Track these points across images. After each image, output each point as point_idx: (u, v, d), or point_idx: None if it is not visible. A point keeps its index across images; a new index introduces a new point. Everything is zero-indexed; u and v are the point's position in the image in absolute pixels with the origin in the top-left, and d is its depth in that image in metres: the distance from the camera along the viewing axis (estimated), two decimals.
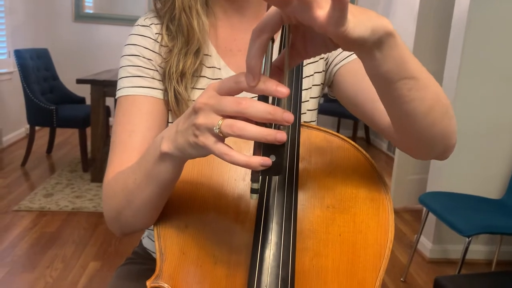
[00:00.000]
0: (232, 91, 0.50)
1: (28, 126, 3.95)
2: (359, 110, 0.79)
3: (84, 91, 3.93)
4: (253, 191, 0.52)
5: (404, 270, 2.45)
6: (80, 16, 5.46)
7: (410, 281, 2.42)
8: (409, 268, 2.44)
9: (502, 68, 2.46)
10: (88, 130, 3.62)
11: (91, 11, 5.55)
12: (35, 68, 3.93)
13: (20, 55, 3.75)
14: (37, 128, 3.98)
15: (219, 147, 0.49)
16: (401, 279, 2.42)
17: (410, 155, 0.70)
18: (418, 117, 0.57)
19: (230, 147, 0.50)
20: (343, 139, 0.73)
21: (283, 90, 0.46)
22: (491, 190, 2.54)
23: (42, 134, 4.66)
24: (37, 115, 3.76)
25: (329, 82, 0.87)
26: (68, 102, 4.25)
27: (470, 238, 1.98)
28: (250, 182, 0.52)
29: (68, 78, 4.25)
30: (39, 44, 4.64)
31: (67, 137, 4.96)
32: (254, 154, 0.49)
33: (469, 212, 2.16)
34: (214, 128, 0.49)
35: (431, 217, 2.45)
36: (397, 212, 3.27)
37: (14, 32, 4.62)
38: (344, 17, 0.41)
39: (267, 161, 0.48)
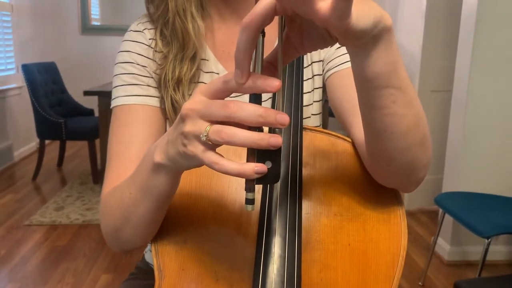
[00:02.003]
0: (221, 93, 0.46)
1: (38, 140, 3.96)
2: (341, 119, 0.75)
3: (92, 103, 3.92)
4: (248, 201, 0.46)
5: (422, 274, 2.38)
6: (87, 28, 5.48)
7: (428, 285, 2.35)
8: (427, 271, 2.38)
9: None
10: (98, 142, 3.61)
11: (98, 23, 5.58)
12: (43, 82, 3.95)
13: (27, 70, 3.77)
14: (47, 141, 3.99)
15: (208, 156, 0.46)
16: (419, 283, 2.35)
17: (374, 178, 0.64)
18: (395, 135, 0.52)
19: (221, 155, 0.46)
20: (349, 141, 0.69)
21: (273, 83, 0.42)
22: (509, 188, 2.47)
23: (53, 147, 4.68)
24: (46, 128, 3.77)
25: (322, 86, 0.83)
26: (77, 115, 4.26)
27: (489, 239, 1.91)
28: (245, 192, 0.46)
29: (76, 91, 4.25)
30: (46, 58, 4.67)
31: (77, 149, 4.97)
32: (248, 161, 0.45)
33: (487, 212, 2.09)
34: (201, 135, 0.45)
35: (448, 218, 2.39)
36: (412, 214, 3.20)
37: (21, 47, 4.65)
38: (349, 9, 0.37)
39: (262, 167, 0.44)
